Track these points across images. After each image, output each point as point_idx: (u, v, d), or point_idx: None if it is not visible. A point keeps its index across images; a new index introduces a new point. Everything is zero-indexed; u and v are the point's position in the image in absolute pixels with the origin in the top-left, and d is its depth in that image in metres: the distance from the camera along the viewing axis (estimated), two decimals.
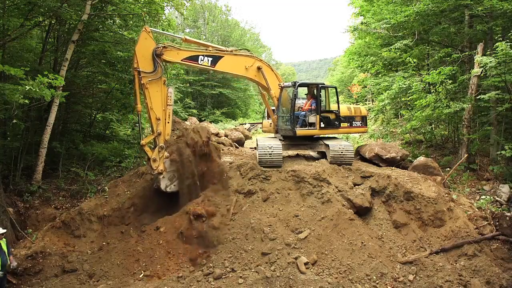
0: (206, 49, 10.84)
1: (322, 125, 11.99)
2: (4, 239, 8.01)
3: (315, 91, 12.11)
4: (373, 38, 20.44)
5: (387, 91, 17.13)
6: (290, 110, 11.84)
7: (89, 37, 13.65)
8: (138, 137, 15.65)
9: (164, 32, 11.39)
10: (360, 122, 12.77)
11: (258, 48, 54.35)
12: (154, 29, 10.46)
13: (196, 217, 9.56)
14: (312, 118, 12.07)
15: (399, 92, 16.17)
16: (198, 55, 10.52)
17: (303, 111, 12.29)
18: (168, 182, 10.25)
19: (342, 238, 9.16)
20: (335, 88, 12.66)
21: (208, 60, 10.64)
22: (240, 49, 11.70)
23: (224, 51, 10.99)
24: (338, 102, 12.38)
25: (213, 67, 10.79)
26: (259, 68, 11.57)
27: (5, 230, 8.00)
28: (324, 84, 12.34)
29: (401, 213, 10.07)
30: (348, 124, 12.58)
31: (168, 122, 10.28)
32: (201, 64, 10.61)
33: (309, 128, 12.05)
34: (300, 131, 11.84)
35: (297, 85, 11.71)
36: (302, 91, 13.26)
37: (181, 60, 10.45)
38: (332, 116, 12.23)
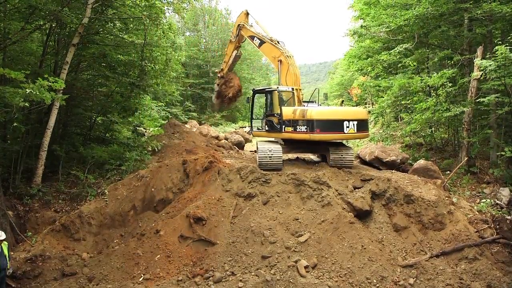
0: (264, 35, 13.70)
1: (267, 128, 12.83)
2: (5, 243, 7.99)
3: (265, 95, 13.53)
4: (372, 42, 20.49)
5: (387, 91, 17.11)
6: (250, 114, 13.84)
7: (90, 40, 13.67)
8: (139, 139, 15.75)
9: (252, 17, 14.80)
10: (305, 126, 11.22)
11: (258, 51, 54.33)
12: (250, 14, 14.44)
13: (196, 220, 9.56)
14: (264, 122, 13.25)
15: (399, 90, 16.04)
16: (254, 36, 13.72)
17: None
18: (216, 99, 15.86)
19: (342, 242, 9.14)
20: (276, 90, 12.46)
21: (258, 41, 13.64)
22: (278, 41, 13.30)
23: (269, 40, 13.28)
24: (280, 105, 11.99)
25: (259, 48, 13.85)
26: (280, 61, 12.75)
27: (4, 237, 7.93)
28: (269, 88, 13.22)
29: (401, 216, 10.05)
30: (292, 129, 11.65)
31: (229, 67, 15.11)
32: (253, 43, 13.97)
33: (262, 131, 13.28)
34: (255, 133, 13.79)
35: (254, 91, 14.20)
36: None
37: (247, 36, 14.08)
38: (275, 120, 12.26)
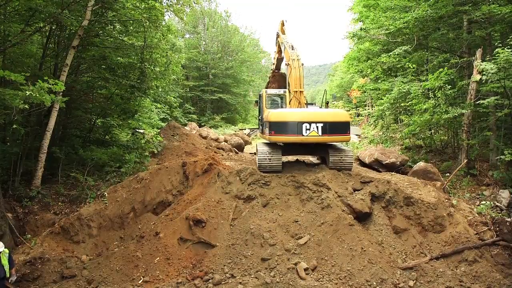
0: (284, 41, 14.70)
1: (259, 130, 13.95)
2: (6, 250, 7.93)
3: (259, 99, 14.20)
4: (372, 44, 20.53)
5: (387, 95, 17.16)
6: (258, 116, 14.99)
7: (90, 43, 13.70)
8: (138, 142, 15.75)
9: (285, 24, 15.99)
10: (267, 128, 11.17)
11: (258, 53, 54.53)
12: (285, 21, 15.77)
13: (196, 222, 9.54)
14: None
15: (398, 97, 16.19)
16: (283, 43, 14.37)
17: None
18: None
19: (342, 244, 9.13)
20: (260, 94, 13.50)
21: (283, 47, 14.17)
22: (292, 46, 13.80)
23: (286, 44, 13.93)
24: (262, 107, 13.06)
25: (283, 53, 14.33)
26: (287, 64, 13.01)
27: (1, 250, 7.86)
28: (261, 92, 13.75)
29: (401, 219, 10.04)
30: (266, 130, 11.80)
31: (275, 66, 16.78)
32: (281, 48, 14.80)
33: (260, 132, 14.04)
34: (259, 134, 14.56)
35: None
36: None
37: (280, 43, 14.87)
38: (261, 122, 13.24)
